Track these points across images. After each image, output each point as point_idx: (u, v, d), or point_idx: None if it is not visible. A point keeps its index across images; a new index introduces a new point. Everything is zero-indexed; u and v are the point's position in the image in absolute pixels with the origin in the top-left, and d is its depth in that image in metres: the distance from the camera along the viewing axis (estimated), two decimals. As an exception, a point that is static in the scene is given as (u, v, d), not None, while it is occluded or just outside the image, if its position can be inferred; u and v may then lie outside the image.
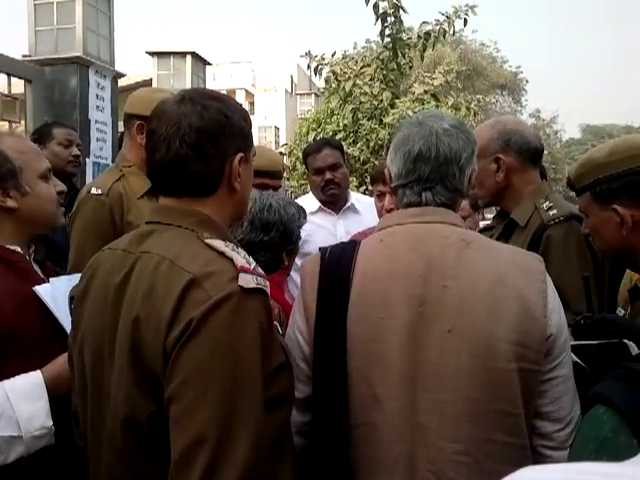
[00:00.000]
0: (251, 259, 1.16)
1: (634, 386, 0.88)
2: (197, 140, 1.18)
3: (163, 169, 1.21)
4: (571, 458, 0.90)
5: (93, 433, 1.22)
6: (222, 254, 1.13)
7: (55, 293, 1.66)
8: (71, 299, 1.46)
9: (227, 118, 1.22)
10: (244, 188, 1.29)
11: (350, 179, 7.91)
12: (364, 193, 7.78)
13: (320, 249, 1.39)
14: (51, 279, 1.72)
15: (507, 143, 2.01)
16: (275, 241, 1.86)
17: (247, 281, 1.09)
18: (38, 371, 1.53)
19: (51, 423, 1.49)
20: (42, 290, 1.63)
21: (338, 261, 1.31)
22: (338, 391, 1.24)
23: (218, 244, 1.15)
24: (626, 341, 1.28)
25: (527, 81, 34.10)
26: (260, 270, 1.15)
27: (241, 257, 1.13)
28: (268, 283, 1.15)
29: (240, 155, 1.24)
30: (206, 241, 1.16)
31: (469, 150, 1.35)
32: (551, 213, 1.92)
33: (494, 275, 1.23)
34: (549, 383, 1.23)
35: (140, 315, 1.10)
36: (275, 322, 1.31)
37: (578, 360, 1.43)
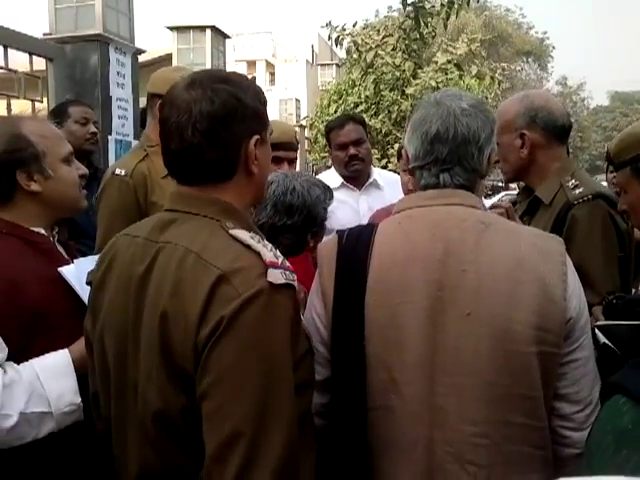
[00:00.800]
0: (278, 252, 1.15)
1: None
2: (209, 127, 1.15)
3: (178, 158, 1.20)
4: (589, 449, 0.90)
5: (117, 420, 1.24)
6: (249, 247, 1.12)
7: (79, 273, 1.68)
8: (88, 284, 1.48)
9: (239, 101, 1.18)
10: (262, 170, 1.26)
11: (372, 151, 7.90)
12: (385, 166, 7.74)
13: (337, 232, 1.38)
14: (75, 260, 1.75)
15: (533, 119, 1.97)
16: (299, 224, 1.85)
17: (276, 277, 1.08)
18: (66, 350, 1.56)
19: (79, 400, 1.52)
20: (66, 271, 1.66)
21: (355, 245, 1.31)
22: (356, 375, 1.25)
23: (244, 236, 1.13)
24: None
25: (554, 47, 33.30)
26: (287, 263, 1.14)
27: (268, 250, 1.12)
28: (295, 276, 1.14)
29: (256, 137, 1.21)
30: (231, 232, 1.14)
31: (488, 130, 1.32)
32: (577, 192, 1.88)
33: (513, 258, 1.22)
34: (568, 366, 1.23)
35: (168, 311, 1.09)
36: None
37: (607, 341, 1.41)
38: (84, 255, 1.88)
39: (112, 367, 1.24)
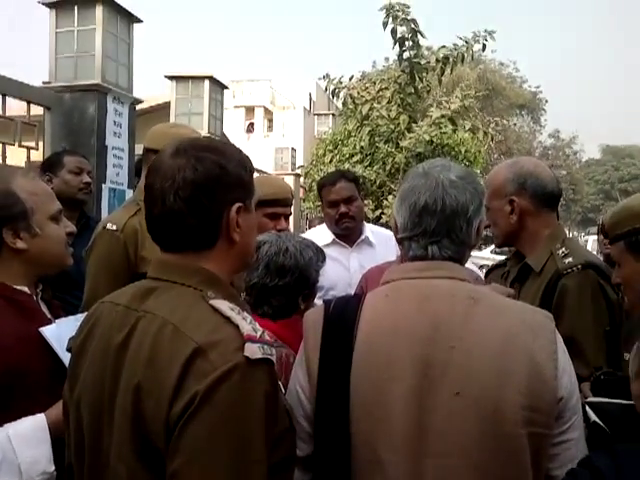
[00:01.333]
0: (257, 325, 1.13)
1: None
2: (191, 194, 1.16)
3: (159, 224, 1.21)
4: None
5: None
6: (228, 319, 1.10)
7: (61, 334, 1.66)
8: (69, 350, 1.45)
9: (222, 169, 1.19)
10: (246, 238, 1.26)
11: (366, 202, 7.96)
12: (380, 216, 7.76)
13: (324, 301, 1.36)
14: (57, 320, 1.72)
15: (522, 186, 1.98)
16: (290, 286, 1.82)
17: (253, 351, 1.05)
18: (42, 415, 1.52)
19: (53, 468, 1.48)
20: (48, 331, 1.63)
21: (342, 315, 1.28)
22: (340, 453, 1.20)
23: (224, 307, 1.12)
24: None
25: (546, 101, 34.02)
26: (267, 337, 1.11)
27: (247, 323, 1.10)
28: (274, 351, 1.11)
29: (238, 205, 1.21)
30: (211, 302, 1.13)
31: (477, 202, 1.32)
32: (567, 261, 1.88)
33: (503, 336, 1.19)
34: (560, 447, 1.19)
35: (142, 383, 1.07)
36: (280, 384, 1.28)
37: (597, 419, 1.38)
38: (70, 311, 1.88)
39: (87, 440, 1.19)
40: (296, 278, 1.82)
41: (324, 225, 3.33)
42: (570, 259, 1.88)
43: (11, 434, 1.45)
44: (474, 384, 1.16)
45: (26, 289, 1.68)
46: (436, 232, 1.29)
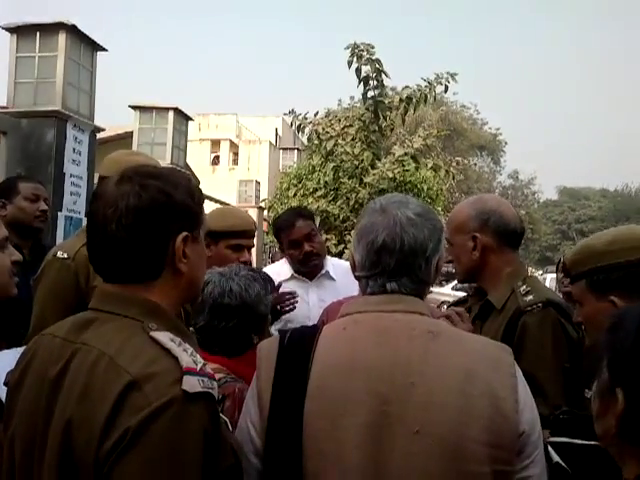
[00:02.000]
0: (198, 357, 1.07)
1: None
2: (134, 222, 1.10)
3: (101, 253, 1.14)
4: None
5: None
6: (167, 351, 1.04)
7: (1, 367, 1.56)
8: (5, 384, 1.36)
9: (168, 196, 1.14)
10: (194, 269, 1.20)
11: (329, 236, 7.97)
12: (342, 251, 7.77)
13: (280, 332, 1.30)
14: None
15: (485, 222, 1.98)
16: (239, 326, 1.74)
17: (192, 385, 0.99)
18: None
19: None
20: None
21: (296, 348, 1.23)
22: None
23: (164, 338, 1.06)
24: None
25: (506, 143, 35.02)
26: (208, 369, 1.06)
27: (188, 355, 1.04)
28: (216, 384, 1.06)
29: (184, 235, 1.15)
30: (152, 334, 1.07)
31: (435, 239, 1.29)
32: (527, 299, 1.87)
33: (463, 370, 1.16)
34: None
35: (73, 418, 1.00)
36: (224, 418, 1.21)
37: (559, 460, 1.35)
38: (18, 341, 1.79)
39: (17, 478, 1.11)
40: (244, 317, 1.75)
41: (282, 261, 3.30)
42: (531, 297, 1.87)
43: None
44: (435, 421, 1.11)
45: None
46: (395, 271, 1.26)
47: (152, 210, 1.12)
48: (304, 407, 1.15)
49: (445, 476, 1.10)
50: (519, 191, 35.83)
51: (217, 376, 1.15)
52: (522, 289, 1.91)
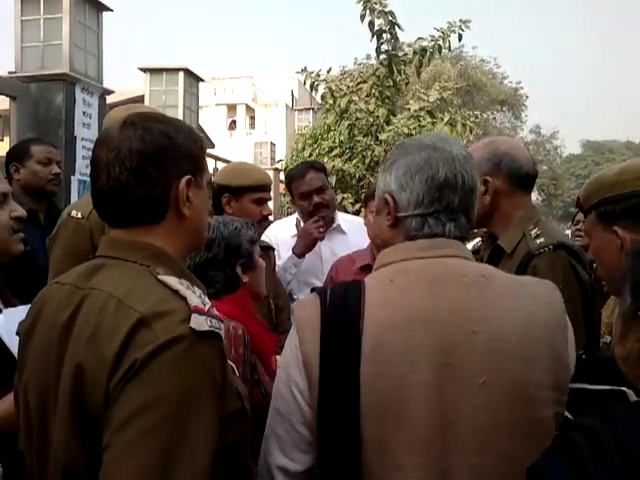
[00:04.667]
0: (206, 298, 1.08)
1: (570, 459, 0.81)
2: (138, 164, 1.11)
3: (105, 197, 1.15)
4: None
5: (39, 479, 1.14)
6: (176, 292, 1.05)
7: (9, 324, 1.58)
8: (18, 334, 1.38)
9: (171, 139, 1.15)
10: (197, 214, 1.20)
11: (345, 195, 7.91)
12: (359, 210, 7.71)
13: (316, 291, 1.20)
14: (5, 310, 1.64)
15: (497, 166, 1.93)
16: (221, 257, 1.80)
17: (200, 323, 1.01)
18: None
19: None
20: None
21: (342, 306, 1.13)
22: (350, 462, 1.06)
23: (172, 281, 1.07)
24: (625, 389, 1.16)
25: (527, 97, 34.20)
26: (215, 312, 1.06)
27: (196, 296, 1.06)
28: (223, 325, 1.07)
29: (187, 178, 1.17)
30: (159, 277, 1.08)
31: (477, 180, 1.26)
32: (538, 241, 1.84)
33: (522, 314, 1.12)
34: None
35: (84, 359, 1.02)
36: (231, 363, 1.22)
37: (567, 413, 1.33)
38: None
39: (34, 424, 1.14)
40: (224, 248, 1.81)
41: (291, 217, 3.30)
42: (542, 240, 1.84)
43: None
44: (500, 369, 1.07)
45: None
46: (457, 209, 1.20)
47: (155, 152, 1.13)
48: (359, 369, 1.07)
49: (514, 425, 1.07)
50: (541, 146, 35.15)
51: None
52: (533, 232, 1.87)
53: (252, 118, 29.48)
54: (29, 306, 1.59)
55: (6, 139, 4.35)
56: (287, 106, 27.85)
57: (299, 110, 22.38)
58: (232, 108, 29.20)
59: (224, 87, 29.24)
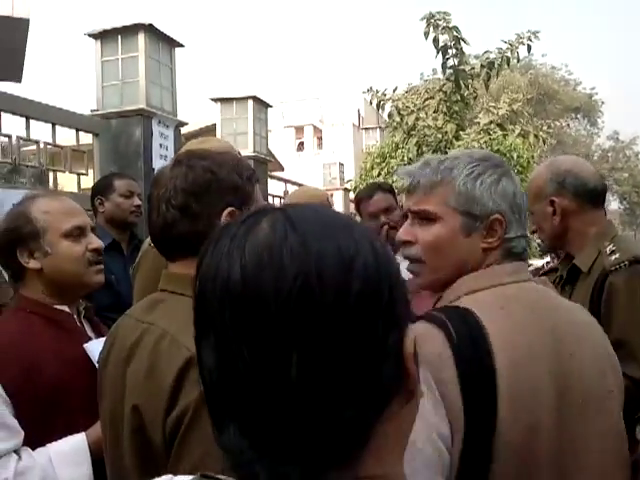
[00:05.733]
0: None
1: None
2: (182, 201, 1.17)
3: (156, 233, 1.23)
4: None
5: None
6: None
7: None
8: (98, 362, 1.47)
9: (213, 174, 1.20)
10: None
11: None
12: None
13: (433, 322, 1.04)
14: (101, 338, 1.72)
15: (562, 185, 1.89)
16: None
17: None
18: (83, 434, 1.54)
19: None
20: (91, 347, 1.64)
21: (471, 341, 1.02)
22: None
23: None
24: None
25: (603, 102, 32.89)
26: None
27: None
28: None
29: (229, 210, 1.19)
30: None
31: None
32: (613, 258, 1.78)
33: (593, 333, 1.14)
34: None
35: (139, 400, 1.08)
36: None
37: None
38: None
39: (108, 454, 1.22)
40: None
41: None
42: (616, 256, 1.78)
43: (52, 454, 1.47)
44: (593, 389, 1.07)
45: (66, 308, 1.69)
46: (525, 227, 1.20)
47: (197, 188, 1.18)
48: (497, 412, 0.98)
49: (617, 452, 1.09)
50: (620, 153, 33.60)
51: None
52: (608, 249, 1.82)
53: (319, 139, 29.78)
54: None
55: (90, 172, 4.58)
56: (354, 125, 28.00)
57: (366, 129, 22.45)
58: (299, 130, 29.62)
59: (291, 109, 29.73)
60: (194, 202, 1.18)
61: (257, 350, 0.52)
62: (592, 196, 1.92)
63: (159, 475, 1.02)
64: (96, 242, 1.76)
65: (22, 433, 1.46)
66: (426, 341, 0.99)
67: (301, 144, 29.70)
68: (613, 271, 1.76)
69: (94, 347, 1.64)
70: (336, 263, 0.52)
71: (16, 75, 8.65)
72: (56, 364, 1.55)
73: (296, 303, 0.50)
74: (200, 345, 0.59)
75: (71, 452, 1.49)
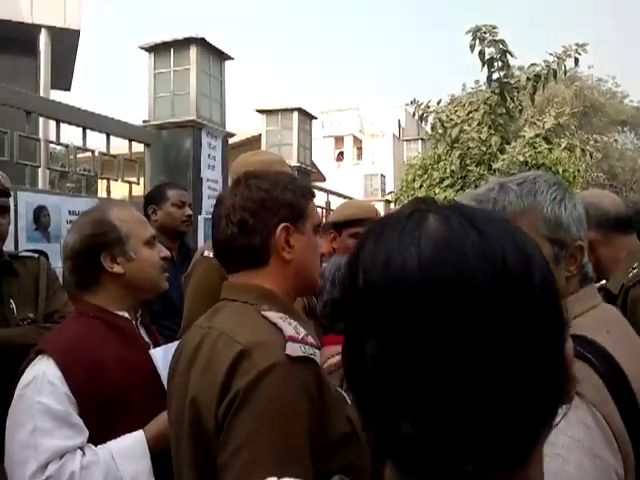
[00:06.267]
0: (301, 329, 1.20)
1: None
2: (240, 217, 1.28)
3: (218, 248, 1.35)
4: None
5: None
6: (274, 325, 1.19)
7: (166, 357, 1.74)
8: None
9: (267, 192, 1.30)
10: (300, 257, 1.33)
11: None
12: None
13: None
14: (164, 345, 1.80)
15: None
16: None
17: (294, 350, 1.13)
18: (141, 431, 1.61)
19: None
20: (156, 354, 1.73)
21: (615, 374, 0.97)
22: None
23: (272, 315, 1.21)
24: None
25: (651, 115, 32.05)
26: (310, 339, 1.18)
27: (291, 327, 1.18)
28: (318, 351, 1.19)
29: (283, 225, 1.29)
30: (262, 313, 1.22)
31: None
32: (631, 274, 1.83)
33: None
34: None
35: (197, 392, 1.18)
36: (343, 392, 1.28)
37: None
38: (170, 336, 1.99)
39: (173, 457, 1.29)
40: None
41: None
42: (635, 271, 1.83)
43: (113, 450, 1.54)
44: None
45: (126, 314, 1.76)
46: None
47: (252, 205, 1.29)
48: None
49: None
50: (669, 166, 32.69)
51: None
52: (633, 267, 1.85)
53: (359, 149, 29.83)
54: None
55: (141, 181, 4.70)
56: (394, 136, 27.95)
57: (407, 140, 22.43)
58: (339, 140, 29.73)
59: (331, 120, 29.87)
60: (250, 218, 1.28)
61: (432, 339, 0.51)
62: (616, 224, 1.96)
63: (211, 469, 1.10)
64: (165, 251, 1.87)
65: (87, 431, 1.53)
66: (584, 375, 0.92)
67: (341, 154, 29.79)
68: (632, 286, 1.80)
69: (159, 353, 1.73)
70: (518, 260, 0.53)
71: (66, 84, 8.98)
72: (118, 367, 1.62)
73: (484, 295, 0.51)
74: (357, 333, 0.57)
75: (131, 447, 1.57)
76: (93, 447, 1.53)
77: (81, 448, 1.50)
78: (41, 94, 6.44)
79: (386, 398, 0.53)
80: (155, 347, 1.80)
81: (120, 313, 1.75)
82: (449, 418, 0.51)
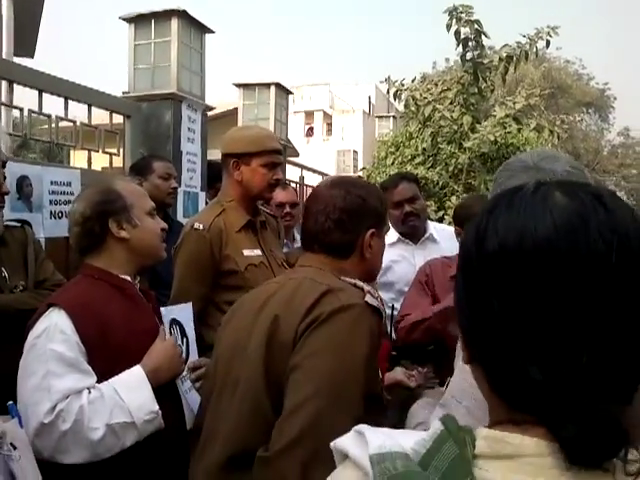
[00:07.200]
0: (377, 293, 1.46)
1: None
2: (339, 217, 1.53)
3: (311, 235, 1.58)
4: None
5: (212, 415, 1.48)
6: (354, 284, 1.45)
7: (170, 317, 1.97)
8: (172, 322, 1.91)
9: (364, 200, 1.56)
10: (374, 257, 1.59)
11: (428, 203, 7.93)
12: (442, 218, 7.75)
13: None
14: (175, 306, 2.05)
15: None
16: None
17: (371, 300, 1.41)
18: (138, 365, 1.73)
19: (157, 407, 1.68)
20: (165, 311, 1.94)
21: None
22: None
23: (349, 279, 1.47)
24: None
25: (615, 98, 32.73)
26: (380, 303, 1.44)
27: (368, 286, 1.45)
28: (384, 312, 1.48)
29: (372, 231, 1.56)
30: (342, 278, 1.47)
31: None
32: None
33: None
34: None
35: (280, 314, 1.39)
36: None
37: None
38: (163, 303, 2.08)
39: (219, 371, 1.49)
40: None
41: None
42: None
43: (116, 385, 1.66)
44: None
45: (129, 278, 1.88)
46: None
47: (351, 209, 1.53)
48: None
49: None
50: (630, 149, 33.51)
51: None
52: None
53: (329, 125, 29.76)
54: (190, 304, 2.06)
55: (120, 152, 4.72)
56: (364, 112, 27.97)
57: (379, 117, 22.49)
58: (310, 115, 29.59)
59: (302, 94, 29.67)
60: (347, 219, 1.54)
61: (563, 298, 0.59)
62: None
63: (278, 372, 1.31)
64: (163, 223, 2.02)
65: (95, 377, 1.66)
66: None
67: (310, 129, 29.67)
68: None
69: (166, 312, 1.93)
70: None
71: (29, 51, 8.76)
72: (124, 325, 1.75)
73: (613, 262, 0.59)
74: (485, 294, 0.64)
75: (131, 380, 1.69)
76: (98, 385, 1.65)
77: (88, 388, 1.63)
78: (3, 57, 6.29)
79: (513, 350, 0.62)
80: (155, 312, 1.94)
81: (122, 276, 1.86)
82: (574, 364, 0.59)
